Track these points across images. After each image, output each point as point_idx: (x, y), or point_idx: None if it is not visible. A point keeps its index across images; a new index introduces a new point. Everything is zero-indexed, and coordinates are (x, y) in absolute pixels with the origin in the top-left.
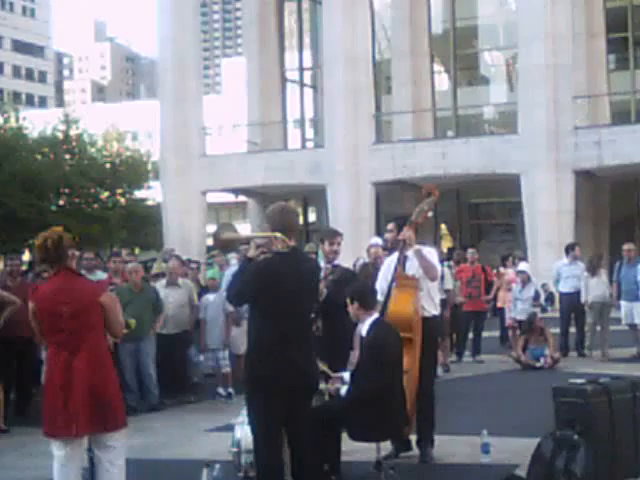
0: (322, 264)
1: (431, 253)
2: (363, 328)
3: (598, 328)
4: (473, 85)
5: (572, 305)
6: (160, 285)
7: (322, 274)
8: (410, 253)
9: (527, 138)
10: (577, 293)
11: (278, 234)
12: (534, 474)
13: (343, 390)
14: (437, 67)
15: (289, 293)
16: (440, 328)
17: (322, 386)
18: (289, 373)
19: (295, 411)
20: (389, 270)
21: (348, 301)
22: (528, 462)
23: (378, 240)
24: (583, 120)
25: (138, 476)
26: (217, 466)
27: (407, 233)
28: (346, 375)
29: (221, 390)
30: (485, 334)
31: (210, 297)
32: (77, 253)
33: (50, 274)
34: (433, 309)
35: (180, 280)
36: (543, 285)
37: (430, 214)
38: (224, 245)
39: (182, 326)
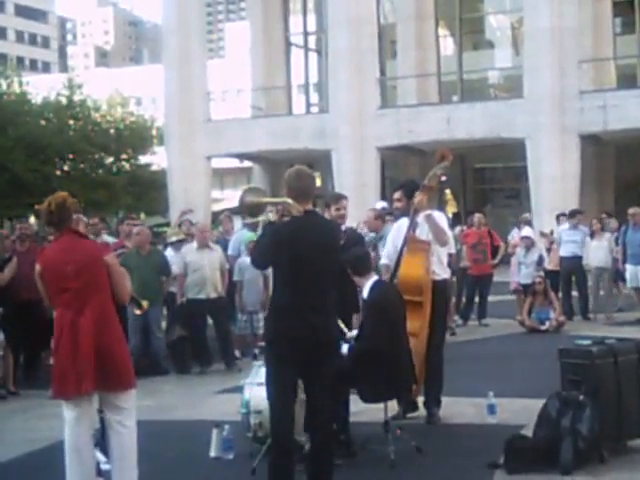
0: None
1: (440, 218)
2: (364, 291)
3: (601, 292)
4: (478, 49)
5: (570, 269)
6: (190, 249)
7: None
8: (420, 218)
9: (532, 102)
10: (576, 258)
11: (289, 200)
12: (540, 434)
13: (344, 349)
14: (442, 31)
15: (305, 256)
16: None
17: None
18: (304, 333)
19: (312, 371)
20: (398, 235)
21: (350, 271)
22: (534, 422)
23: (383, 204)
24: (588, 84)
25: (148, 437)
26: (226, 426)
27: (419, 198)
28: (354, 333)
29: (257, 351)
30: (491, 298)
31: (247, 259)
32: (84, 219)
33: (55, 236)
34: (443, 272)
35: (210, 243)
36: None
37: (444, 178)
38: (247, 209)
39: (219, 291)
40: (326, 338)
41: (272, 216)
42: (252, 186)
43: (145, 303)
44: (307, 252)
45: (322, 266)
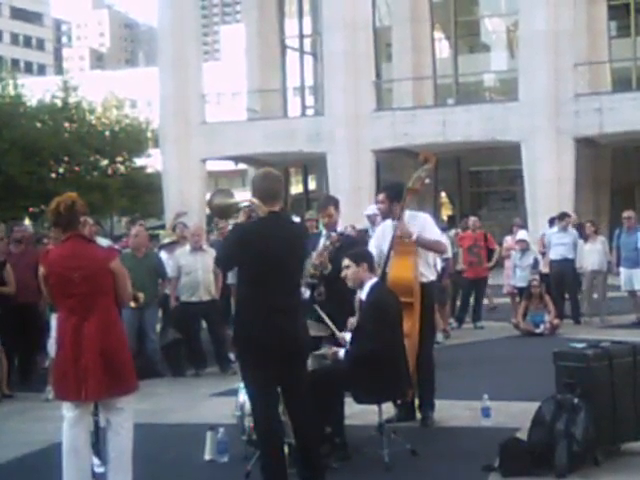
0: (324, 231)
1: (426, 220)
2: (363, 292)
3: (595, 295)
4: (474, 52)
5: (560, 273)
6: (183, 252)
7: (327, 241)
8: (406, 217)
9: (528, 105)
10: (565, 261)
11: (255, 199)
12: (535, 437)
13: (341, 353)
14: (438, 34)
15: (269, 257)
16: (440, 293)
17: (323, 350)
18: (274, 340)
19: (288, 377)
20: (383, 238)
21: (350, 264)
22: (529, 425)
23: (374, 207)
24: (584, 87)
25: (143, 439)
26: (221, 429)
27: (401, 229)
28: (348, 336)
29: None
30: (485, 301)
31: None
32: (91, 220)
33: (57, 240)
34: (430, 274)
35: (204, 245)
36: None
37: (427, 181)
38: (217, 212)
39: (212, 293)
40: (294, 340)
41: (240, 218)
42: (220, 188)
43: (141, 296)
44: (271, 253)
45: (287, 267)
